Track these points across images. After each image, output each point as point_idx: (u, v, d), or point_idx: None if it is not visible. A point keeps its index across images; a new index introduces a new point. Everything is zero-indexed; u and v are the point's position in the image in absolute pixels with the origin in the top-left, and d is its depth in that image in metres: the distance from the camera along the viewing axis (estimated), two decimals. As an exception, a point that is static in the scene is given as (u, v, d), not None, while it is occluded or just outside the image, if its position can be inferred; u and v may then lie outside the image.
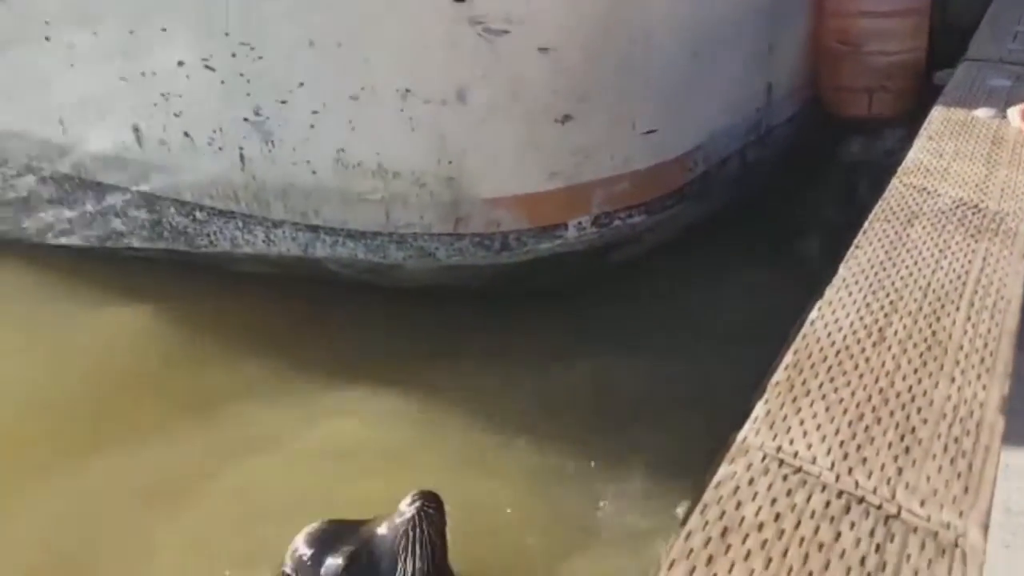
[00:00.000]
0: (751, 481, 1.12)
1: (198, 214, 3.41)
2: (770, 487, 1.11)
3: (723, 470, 1.15)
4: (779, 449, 1.18)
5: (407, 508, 1.82)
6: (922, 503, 1.09)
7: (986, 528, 1.05)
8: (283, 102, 3.08)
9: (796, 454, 1.17)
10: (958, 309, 1.53)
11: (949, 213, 1.84)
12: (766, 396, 1.29)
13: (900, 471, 1.14)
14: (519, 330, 3.37)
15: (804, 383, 1.31)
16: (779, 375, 1.34)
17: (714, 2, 3.51)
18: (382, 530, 1.87)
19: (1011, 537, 1.73)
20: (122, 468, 2.48)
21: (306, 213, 3.26)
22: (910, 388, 1.31)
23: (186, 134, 3.21)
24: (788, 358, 1.38)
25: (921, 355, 1.39)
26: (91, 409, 2.79)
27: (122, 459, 2.51)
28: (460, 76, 3.11)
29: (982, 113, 2.50)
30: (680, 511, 1.80)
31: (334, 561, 1.87)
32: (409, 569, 1.76)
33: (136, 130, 3.30)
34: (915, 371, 1.35)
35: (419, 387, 2.89)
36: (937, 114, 2.37)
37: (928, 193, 1.93)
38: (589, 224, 3.51)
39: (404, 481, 1.97)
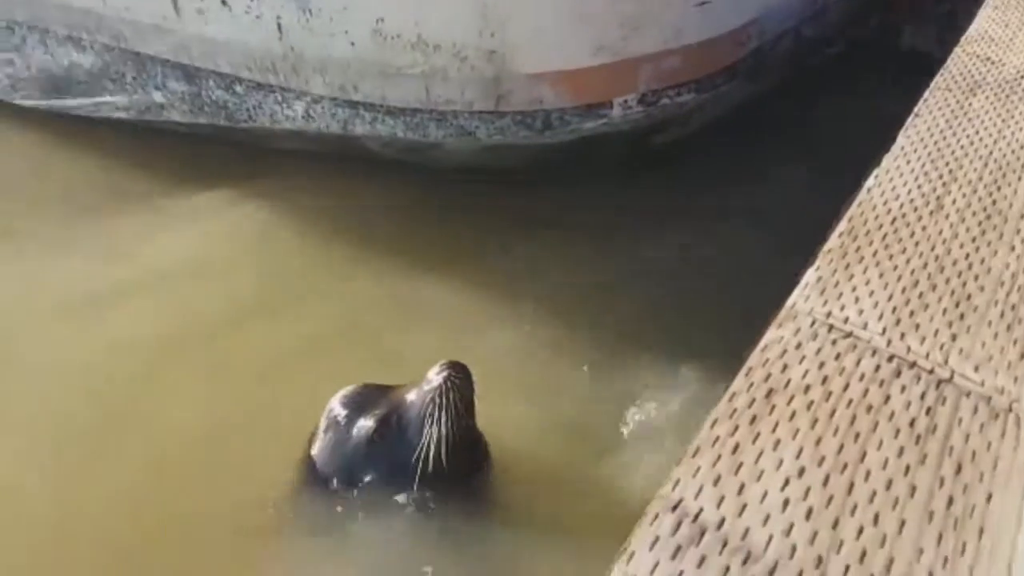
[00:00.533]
0: (799, 345, 1.11)
1: (237, 87, 3.37)
2: (819, 351, 1.10)
3: (770, 334, 1.13)
4: (829, 314, 1.16)
5: (434, 377, 1.90)
6: (976, 368, 1.06)
7: (1042, 395, 1.03)
8: (321, -31, 2.99)
9: (847, 319, 1.14)
10: (1020, 179, 1.47)
11: (1013, 83, 1.75)
12: (817, 263, 1.26)
13: (954, 337, 1.12)
14: (564, 209, 3.34)
15: (858, 250, 1.28)
16: (832, 242, 1.31)
17: None
18: (411, 396, 1.95)
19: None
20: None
21: (345, 87, 3.21)
22: (967, 256, 1.27)
23: (223, 2, 3.14)
24: (842, 225, 1.34)
25: (980, 224, 1.34)
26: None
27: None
28: (504, -58, 2.97)
29: None
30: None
31: (365, 423, 1.98)
32: (434, 434, 1.85)
33: (174, -2, 3.24)
34: (973, 240, 1.31)
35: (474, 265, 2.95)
36: (1008, -18, 2.23)
37: (992, 63, 1.82)
38: (635, 102, 3.41)
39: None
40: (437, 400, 1.87)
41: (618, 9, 3.15)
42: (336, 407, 2.06)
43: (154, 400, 2.36)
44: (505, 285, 2.88)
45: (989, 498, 0.91)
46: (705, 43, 3.38)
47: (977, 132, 1.61)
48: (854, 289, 1.21)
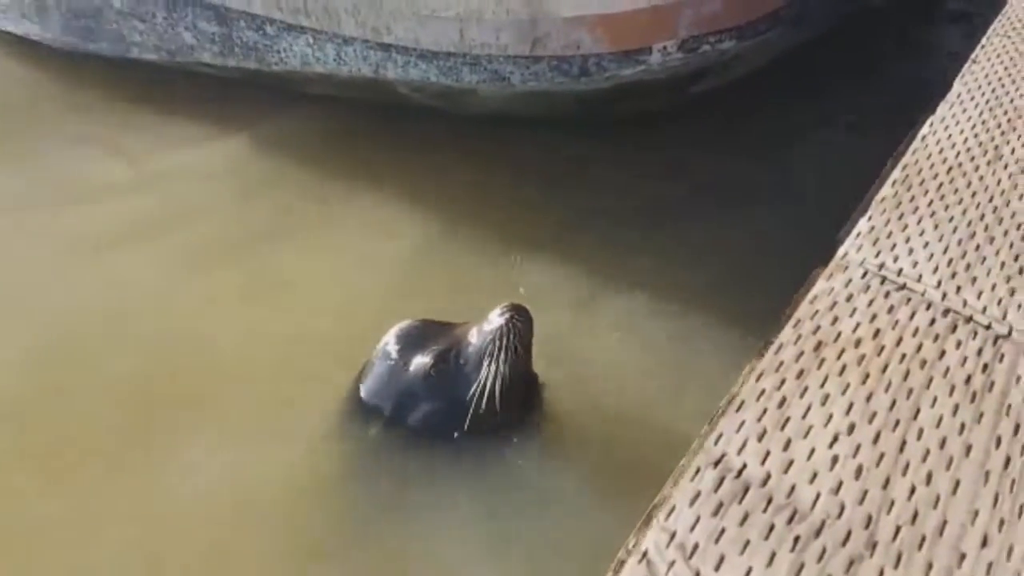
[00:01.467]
0: (850, 297, 1.06)
1: (268, 28, 3.32)
2: (871, 303, 1.05)
3: (820, 285, 1.08)
4: (882, 266, 1.11)
5: (497, 318, 1.88)
6: (1036, 325, 1.01)
7: (1107, 353, 0.98)
8: (349, -97, 2.91)
9: (900, 271, 1.10)
10: (1088, 128, 1.39)
11: (1084, 26, 1.65)
12: (870, 212, 1.20)
13: (1013, 292, 1.07)
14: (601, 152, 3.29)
15: (912, 200, 1.22)
16: (885, 190, 1.25)
17: None
18: (471, 335, 1.94)
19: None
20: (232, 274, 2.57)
21: (377, 30, 3.14)
22: (1029, 209, 1.21)
23: (255, -58, 3.08)
24: (896, 173, 1.28)
25: (1043, 175, 1.28)
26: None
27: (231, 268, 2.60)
28: None
29: None
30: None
31: (423, 359, 1.96)
32: (492, 371, 1.85)
33: (203, -62, 3.18)
34: (1036, 191, 1.25)
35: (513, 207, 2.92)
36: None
37: (1058, 4, 1.73)
38: (675, 49, 3.31)
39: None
40: (498, 341, 1.86)
41: (659, -50, 3.05)
42: (392, 340, 2.05)
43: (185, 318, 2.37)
44: (556, 233, 2.83)
45: (1048, 459, 0.87)
46: (748, -13, 3.28)
47: (1040, 78, 1.53)
48: (908, 240, 1.16)
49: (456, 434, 1.94)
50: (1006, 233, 1.17)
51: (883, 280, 1.09)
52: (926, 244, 1.14)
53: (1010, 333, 1.01)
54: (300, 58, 3.37)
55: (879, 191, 1.25)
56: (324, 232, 2.77)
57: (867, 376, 0.96)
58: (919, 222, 1.18)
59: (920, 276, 1.09)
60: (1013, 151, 1.35)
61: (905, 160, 1.32)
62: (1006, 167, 1.31)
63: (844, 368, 0.97)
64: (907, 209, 1.21)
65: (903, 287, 1.07)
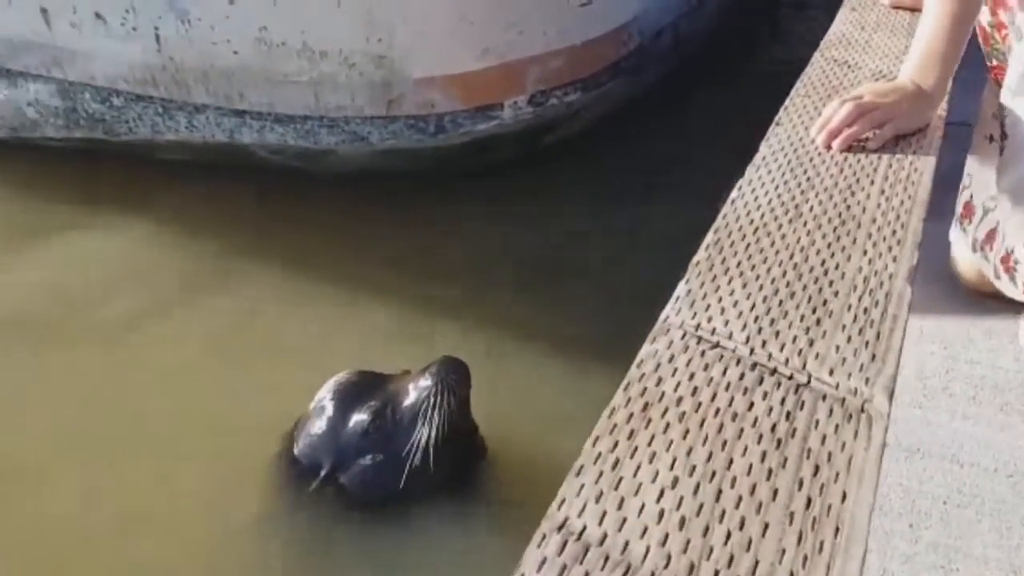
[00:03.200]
0: (671, 359, 1.18)
1: (115, 100, 3.28)
2: (689, 363, 1.17)
3: (645, 348, 1.20)
4: (698, 327, 1.23)
5: (430, 374, 1.94)
6: (831, 372, 1.15)
7: (891, 393, 1.12)
8: (197, -24, 2.93)
9: (714, 330, 1.22)
10: (872, 183, 1.58)
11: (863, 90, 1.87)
12: (687, 276, 1.33)
13: (811, 342, 1.21)
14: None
15: (723, 261, 1.36)
16: (700, 254, 1.38)
17: None
18: (407, 390, 1.98)
19: (923, 399, 1.86)
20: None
21: (230, 96, 3.16)
22: (823, 263, 1.37)
23: (97, 15, 3.04)
24: (709, 237, 1.42)
25: (835, 230, 1.45)
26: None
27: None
28: (386, -53, 2.98)
29: None
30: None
31: (360, 416, 2.00)
32: (426, 434, 1.91)
33: (44, 12, 3.12)
34: (828, 246, 1.41)
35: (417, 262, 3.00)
36: (861, -17, 2.37)
37: (849, 67, 1.94)
38: (525, 103, 3.48)
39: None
40: (432, 399, 1.91)
41: (502, 13, 3.21)
42: (328, 394, 2.06)
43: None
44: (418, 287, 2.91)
45: (844, 497, 0.99)
46: (588, 43, 3.49)
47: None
48: (720, 300, 1.29)
49: (393, 491, 2.00)
50: (805, 288, 1.31)
51: (699, 340, 1.21)
52: (735, 303, 1.28)
53: (809, 381, 1.14)
54: (150, 127, 3.34)
55: (695, 255, 1.39)
56: (232, 300, 2.82)
57: (687, 432, 1.07)
58: (729, 282, 1.32)
59: (731, 334, 1.22)
60: (811, 208, 1.51)
61: (716, 224, 1.46)
62: (805, 224, 1.47)
63: (668, 426, 1.08)
64: (719, 271, 1.34)
65: (716, 345, 1.20)
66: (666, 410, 1.10)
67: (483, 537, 1.97)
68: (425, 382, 1.93)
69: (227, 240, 3.06)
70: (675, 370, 1.16)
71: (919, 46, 1.75)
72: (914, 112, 1.73)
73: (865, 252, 1.39)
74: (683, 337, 1.21)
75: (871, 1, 2.28)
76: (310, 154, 3.33)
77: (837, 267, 1.36)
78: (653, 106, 3.82)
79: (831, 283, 1.33)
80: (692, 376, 1.15)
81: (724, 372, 1.15)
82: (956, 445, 1.74)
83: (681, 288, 1.31)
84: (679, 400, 1.12)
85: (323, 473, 2.01)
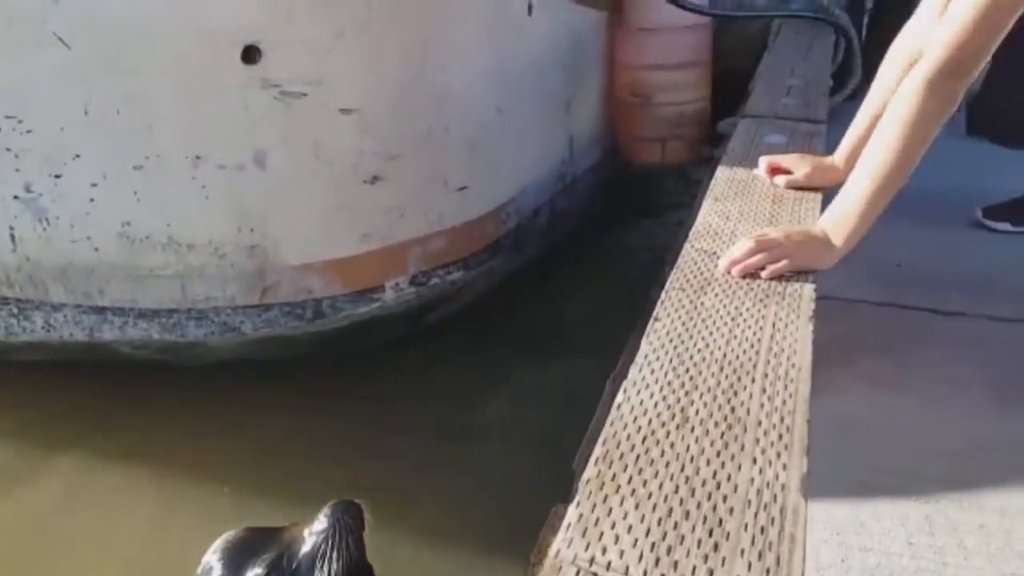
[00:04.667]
0: (565, 604, 1.07)
1: (-37, 302, 3.06)
2: (585, 608, 1.07)
3: (536, 593, 1.09)
4: (592, 561, 1.14)
5: (324, 519, 1.86)
6: (733, 609, 1.07)
7: (796, 628, 1.05)
8: (57, 176, 2.82)
9: (609, 564, 1.13)
10: (753, 381, 1.56)
11: (738, 278, 1.91)
12: (578, 498, 1.25)
13: (711, 572, 1.13)
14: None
15: (614, 478, 1.29)
16: (590, 471, 1.31)
17: (513, 60, 3.57)
18: (301, 538, 1.89)
19: (821, 593, 1.79)
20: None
21: (90, 293, 2.99)
22: (714, 474, 1.31)
23: (-56, 215, 2.87)
24: (598, 450, 1.35)
25: (722, 435, 1.41)
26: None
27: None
28: (257, 140, 2.98)
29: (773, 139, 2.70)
30: None
31: (254, 571, 1.89)
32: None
33: None
34: (718, 454, 1.36)
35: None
36: (721, 175, 2.47)
37: (718, 257, 1.99)
38: (407, 284, 3.46)
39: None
40: (329, 540, 1.84)
41: (381, 200, 3.23)
42: (217, 553, 1.96)
43: None
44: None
45: None
46: (468, 224, 3.53)
47: (711, 333, 1.71)
48: (614, 526, 1.20)
49: None
50: (699, 505, 1.25)
51: (594, 578, 1.11)
52: (630, 528, 1.19)
53: (712, 621, 1.05)
54: (4, 328, 3.11)
55: (583, 471, 1.31)
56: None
57: None
58: (622, 503, 1.24)
59: (627, 568, 1.13)
60: (697, 411, 1.47)
61: (604, 434, 1.40)
62: (692, 430, 1.42)
63: None
64: (610, 490, 1.27)
65: (613, 583, 1.10)
66: (562, 672, 0.99)
67: None
68: (320, 526, 1.85)
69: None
70: (570, 619, 1.06)
71: (840, 203, 1.89)
72: (815, 257, 1.89)
73: (755, 460, 1.35)
74: (577, 575, 1.12)
75: (732, 191, 2.38)
76: (177, 347, 3.16)
77: (729, 479, 1.31)
78: (535, 277, 3.90)
79: (725, 498, 1.27)
80: (588, 628, 1.04)
81: (623, 617, 1.06)
82: (864, 643, 1.67)
83: (572, 513, 1.22)
84: (575, 658, 1.01)
85: None
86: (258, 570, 1.86)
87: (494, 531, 2.41)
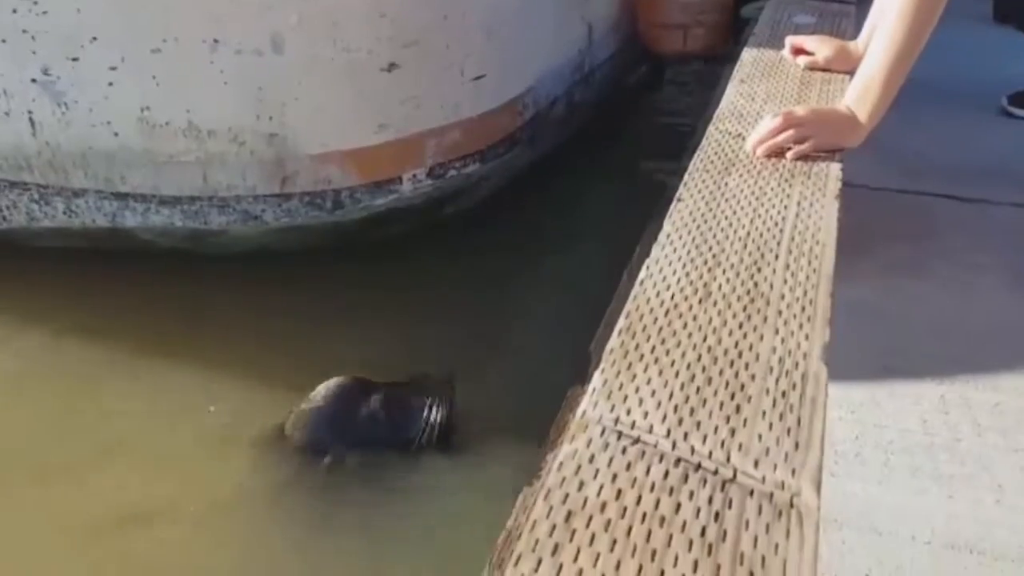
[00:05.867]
0: (592, 458, 1.11)
1: (-13, 188, 3.08)
2: (611, 462, 1.11)
3: (565, 448, 1.13)
4: (617, 420, 1.18)
5: (428, 375, 2.41)
6: (756, 464, 1.11)
7: (819, 485, 1.09)
8: (75, 59, 2.80)
9: (634, 424, 1.17)
10: (777, 258, 1.58)
11: (763, 159, 1.90)
12: (602, 365, 1.28)
13: (733, 432, 1.17)
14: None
15: (637, 347, 1.32)
16: (613, 341, 1.34)
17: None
18: (408, 388, 2.38)
19: (835, 467, 1.85)
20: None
21: (111, 179, 3.00)
22: (736, 344, 1.34)
23: (-36, 101, 2.86)
24: (621, 322, 1.38)
25: (745, 308, 1.43)
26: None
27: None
28: (273, 24, 2.93)
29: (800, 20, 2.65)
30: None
31: (371, 407, 2.34)
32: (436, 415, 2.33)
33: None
34: (740, 326, 1.39)
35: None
36: (747, 56, 2.43)
37: (743, 139, 1.97)
38: (424, 176, 3.45)
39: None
40: (435, 393, 2.34)
41: (398, 88, 3.18)
42: (333, 387, 2.38)
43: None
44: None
45: (779, 602, 0.94)
46: (484, 115, 3.49)
47: (735, 213, 1.72)
48: (638, 390, 1.24)
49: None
50: (721, 372, 1.28)
51: (620, 436, 1.15)
52: (653, 392, 1.23)
53: (735, 476, 1.09)
54: (26, 214, 3.14)
55: (608, 341, 1.34)
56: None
57: (615, 543, 1.00)
58: (646, 370, 1.27)
59: (652, 427, 1.17)
60: (720, 287, 1.49)
61: (627, 307, 1.42)
62: (715, 304, 1.44)
63: (594, 537, 1.01)
64: (634, 358, 1.30)
65: (638, 440, 1.14)
66: (591, 519, 1.04)
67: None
68: (426, 381, 2.39)
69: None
70: (597, 471, 1.10)
71: (860, 77, 1.88)
72: (840, 134, 1.89)
73: (777, 331, 1.38)
74: (603, 434, 1.16)
75: (759, 72, 2.34)
76: (199, 235, 3.18)
77: (751, 348, 1.34)
78: (553, 169, 3.89)
79: (747, 366, 1.30)
80: (615, 478, 1.09)
81: (648, 471, 1.10)
82: (872, 514, 1.73)
83: (597, 379, 1.26)
84: (603, 506, 1.05)
85: (333, 453, 2.32)
86: (375, 406, 2.31)
87: (514, 411, 2.49)
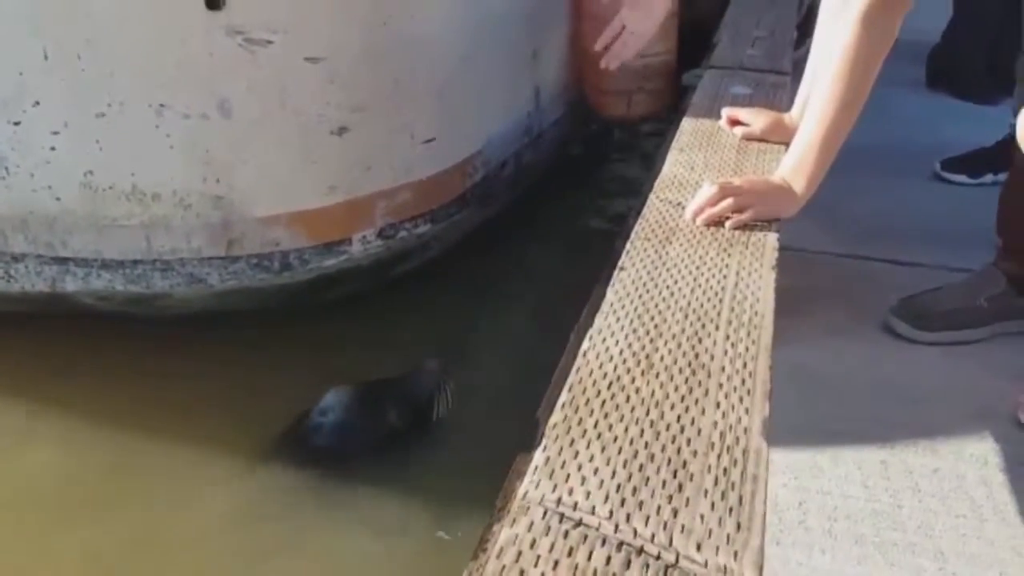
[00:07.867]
0: (533, 543, 1.10)
1: (-80, 253, 3.00)
2: (552, 547, 1.09)
3: (506, 533, 1.11)
4: (559, 502, 1.16)
5: (433, 362, 2.65)
6: (698, 547, 1.11)
7: (760, 567, 1.09)
8: (16, 123, 2.76)
9: (576, 505, 1.16)
10: (717, 328, 1.60)
11: (703, 227, 1.93)
12: (544, 442, 1.27)
13: (675, 512, 1.16)
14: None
15: (580, 422, 1.31)
16: (556, 415, 1.33)
17: (478, 7, 3.53)
18: (417, 377, 2.63)
19: (780, 534, 1.86)
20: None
21: (51, 244, 2.95)
22: (678, 418, 1.35)
23: None
24: (564, 396, 1.38)
25: (686, 381, 1.44)
26: None
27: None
28: (221, 89, 2.92)
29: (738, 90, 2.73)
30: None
31: (390, 400, 2.58)
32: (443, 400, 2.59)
33: None
34: (682, 399, 1.39)
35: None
36: (686, 125, 2.49)
37: (683, 207, 2.01)
38: (374, 237, 3.45)
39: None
40: (443, 376, 2.62)
41: (348, 151, 3.19)
42: (340, 392, 2.59)
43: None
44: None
45: None
46: (434, 176, 3.51)
47: (676, 282, 1.74)
48: (580, 468, 1.23)
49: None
50: (663, 448, 1.28)
51: (561, 518, 1.14)
52: (596, 471, 1.22)
53: (677, 560, 1.09)
54: (-38, 279, 3.05)
55: (550, 417, 1.34)
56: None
57: (555, 634, 0.99)
58: (588, 447, 1.27)
59: (594, 507, 1.16)
60: (662, 358, 1.50)
61: (571, 380, 1.42)
62: (657, 376, 1.45)
63: (534, 629, 0.99)
64: (576, 434, 1.29)
65: (580, 523, 1.13)
66: (531, 608, 1.02)
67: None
68: (432, 367, 2.62)
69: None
70: (538, 558, 1.08)
71: (795, 150, 1.94)
72: (777, 205, 1.93)
73: (718, 404, 1.39)
74: (544, 516, 1.15)
75: (698, 142, 2.39)
76: (142, 299, 3.13)
77: (693, 422, 1.34)
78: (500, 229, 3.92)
79: (688, 441, 1.30)
80: (556, 565, 1.07)
81: (589, 556, 1.09)
82: (819, 582, 1.74)
83: (539, 456, 1.25)
84: (544, 594, 1.04)
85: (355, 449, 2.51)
86: (396, 398, 2.54)
87: (461, 475, 2.46)
